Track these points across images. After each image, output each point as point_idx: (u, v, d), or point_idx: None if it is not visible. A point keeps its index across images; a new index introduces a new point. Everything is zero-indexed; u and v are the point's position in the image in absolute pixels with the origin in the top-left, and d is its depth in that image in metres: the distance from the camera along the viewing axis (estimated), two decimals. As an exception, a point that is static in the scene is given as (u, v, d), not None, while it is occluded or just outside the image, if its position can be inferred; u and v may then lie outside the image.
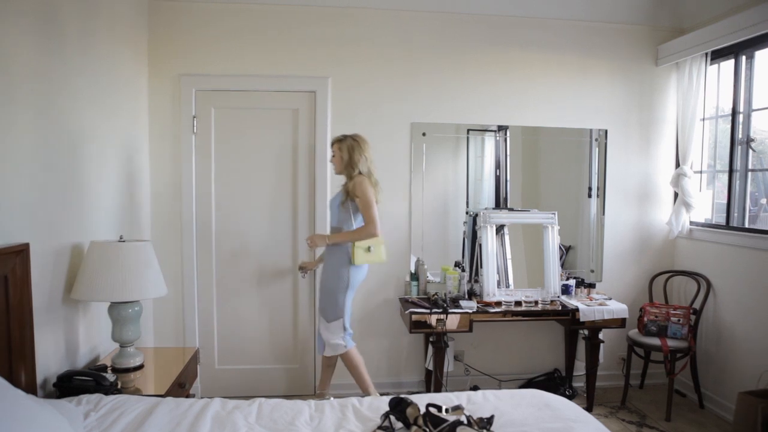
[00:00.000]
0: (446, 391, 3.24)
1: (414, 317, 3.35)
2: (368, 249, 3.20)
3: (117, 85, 3.06)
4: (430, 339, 3.51)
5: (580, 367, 3.91)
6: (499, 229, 3.78)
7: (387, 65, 3.78)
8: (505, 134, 3.99)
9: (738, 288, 3.52)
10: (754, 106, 3.51)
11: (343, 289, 3.22)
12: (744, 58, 3.55)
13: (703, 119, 3.85)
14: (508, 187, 4.02)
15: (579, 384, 3.97)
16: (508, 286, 3.73)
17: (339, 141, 3.25)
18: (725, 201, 3.71)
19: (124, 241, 2.51)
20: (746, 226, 3.58)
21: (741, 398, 2.90)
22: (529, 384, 3.93)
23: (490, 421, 1.94)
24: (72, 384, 2.21)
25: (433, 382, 3.47)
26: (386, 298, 3.87)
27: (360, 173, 3.18)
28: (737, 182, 3.61)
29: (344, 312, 3.25)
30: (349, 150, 3.19)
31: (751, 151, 3.52)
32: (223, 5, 3.61)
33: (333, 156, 3.29)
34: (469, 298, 3.59)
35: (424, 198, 3.88)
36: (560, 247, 3.80)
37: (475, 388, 3.78)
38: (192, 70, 3.61)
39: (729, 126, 3.65)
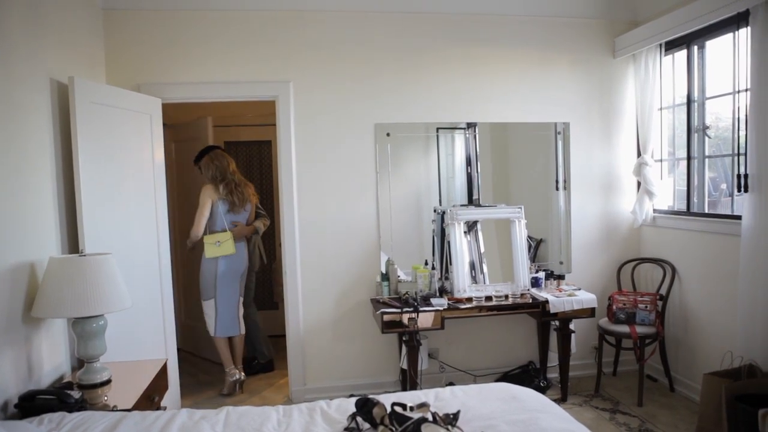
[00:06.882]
0: (421, 389, 3.25)
1: (386, 317, 3.37)
2: (216, 243, 3.76)
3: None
4: (404, 338, 3.52)
5: (554, 358, 3.96)
6: (473, 225, 3.80)
7: (348, 67, 3.78)
8: (474, 131, 4.02)
9: (701, 272, 3.60)
10: (708, 94, 3.60)
11: (207, 275, 3.87)
12: (696, 48, 3.63)
13: (661, 109, 3.93)
14: (480, 183, 4.05)
15: (554, 375, 4.01)
16: (484, 282, 3.76)
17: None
18: (686, 188, 3.80)
19: (84, 255, 2.47)
20: (706, 211, 3.66)
21: (706, 379, 2.97)
22: (505, 377, 3.97)
23: (456, 416, 1.95)
24: (35, 404, 2.16)
25: (408, 380, 3.48)
26: (358, 300, 3.87)
27: (212, 182, 3.86)
28: (695, 169, 3.70)
29: (213, 293, 3.86)
30: (203, 168, 3.93)
31: (707, 138, 3.60)
32: (179, 12, 3.58)
33: None
34: (440, 296, 3.61)
35: (393, 197, 3.89)
36: (529, 241, 3.84)
37: (450, 384, 3.80)
38: (151, 80, 3.56)
39: (685, 114, 3.73)
